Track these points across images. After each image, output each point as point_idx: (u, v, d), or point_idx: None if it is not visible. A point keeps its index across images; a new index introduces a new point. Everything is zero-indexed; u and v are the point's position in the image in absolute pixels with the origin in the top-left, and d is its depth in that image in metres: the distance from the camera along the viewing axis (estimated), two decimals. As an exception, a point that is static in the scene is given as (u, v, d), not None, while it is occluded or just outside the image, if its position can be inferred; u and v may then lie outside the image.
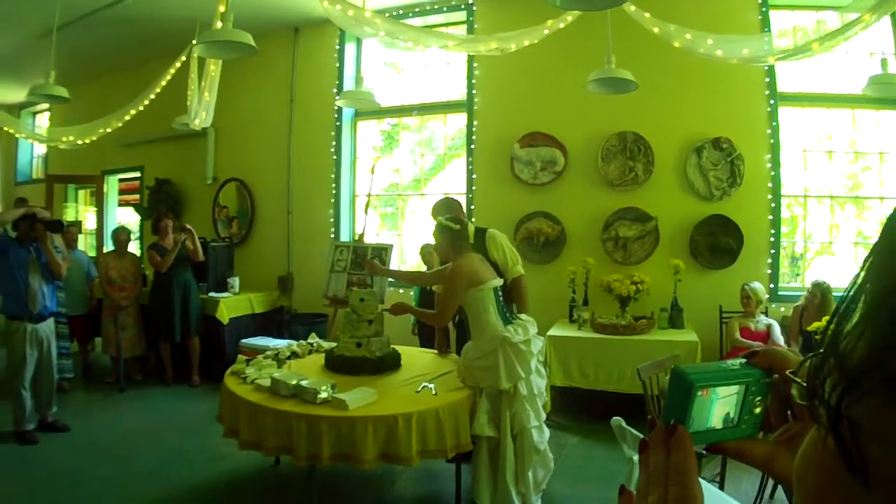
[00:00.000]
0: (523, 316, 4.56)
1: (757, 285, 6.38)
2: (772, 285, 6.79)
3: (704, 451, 0.77)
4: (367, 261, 5.13)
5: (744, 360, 0.76)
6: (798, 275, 7.48)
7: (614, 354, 6.29)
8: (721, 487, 3.82)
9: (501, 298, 4.41)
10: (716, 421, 0.75)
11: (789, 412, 0.77)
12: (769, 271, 6.96)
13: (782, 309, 6.75)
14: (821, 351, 0.52)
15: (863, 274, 0.50)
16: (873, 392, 0.45)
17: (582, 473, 5.27)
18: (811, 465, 0.54)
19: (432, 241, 6.98)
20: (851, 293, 0.50)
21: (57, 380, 6.40)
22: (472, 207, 7.98)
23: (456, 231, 4.41)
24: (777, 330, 6.24)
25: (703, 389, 0.72)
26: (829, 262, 7.39)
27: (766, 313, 6.43)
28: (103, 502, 4.74)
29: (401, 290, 7.66)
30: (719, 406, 0.75)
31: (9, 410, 5.99)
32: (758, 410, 0.76)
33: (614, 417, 3.63)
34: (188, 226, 7.97)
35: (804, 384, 0.59)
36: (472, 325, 4.42)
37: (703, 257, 7.03)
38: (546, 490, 4.67)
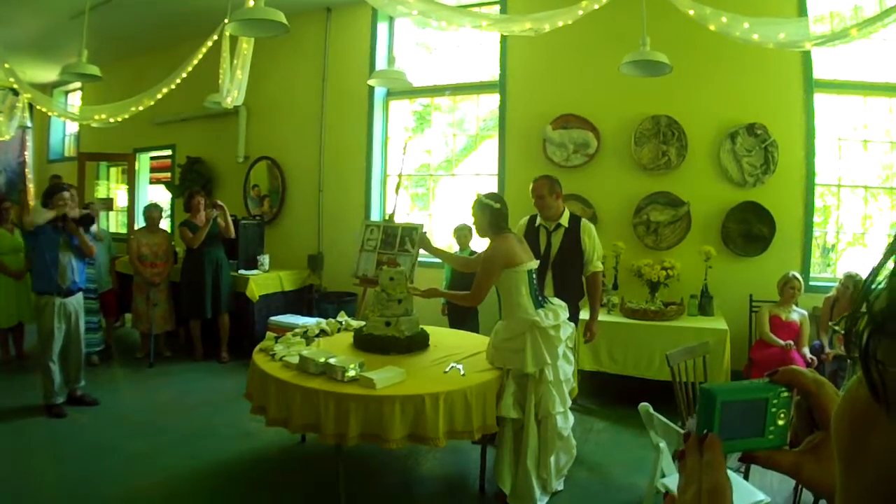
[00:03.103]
0: (555, 300, 4.54)
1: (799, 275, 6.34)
2: (803, 275, 6.70)
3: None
4: (421, 236, 5.17)
5: (767, 380, 0.83)
6: (829, 266, 7.37)
7: (643, 340, 6.27)
8: (746, 478, 3.80)
9: (535, 281, 4.39)
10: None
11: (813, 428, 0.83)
12: (801, 261, 6.88)
13: (813, 299, 6.67)
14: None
15: None
16: (893, 334, 0.51)
17: (608, 459, 5.25)
18: (846, 410, 0.60)
19: (462, 222, 7.08)
20: (885, 252, 0.56)
21: (85, 354, 6.48)
22: (504, 189, 7.94)
23: (496, 209, 4.38)
24: (807, 323, 6.19)
25: (725, 402, 0.80)
26: (861, 253, 7.27)
27: (796, 304, 6.36)
28: (131, 475, 4.80)
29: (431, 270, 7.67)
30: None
31: (38, 384, 6.08)
32: (781, 422, 0.82)
33: (642, 403, 3.62)
34: (220, 202, 8.02)
35: (843, 331, 0.64)
36: (503, 305, 4.41)
37: (734, 244, 6.96)
38: (571, 475, 4.67)
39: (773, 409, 0.82)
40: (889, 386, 0.52)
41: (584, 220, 5.49)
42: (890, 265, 0.55)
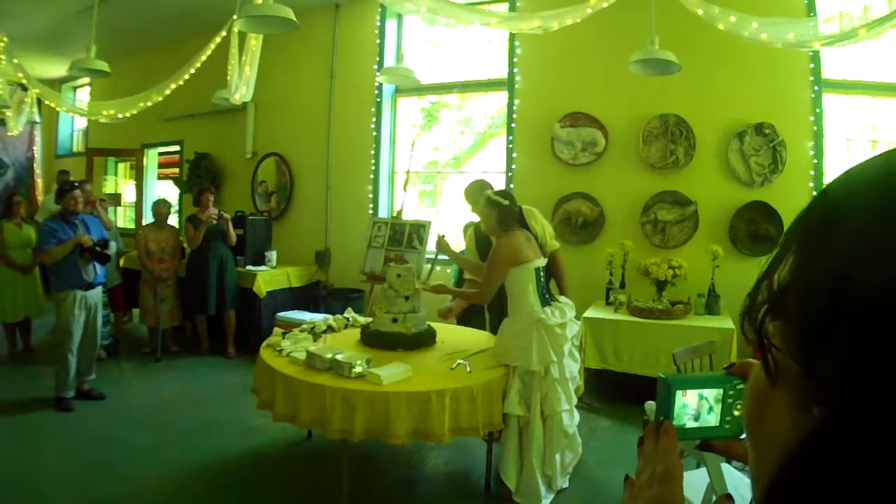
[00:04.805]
0: (563, 299, 4.54)
1: None
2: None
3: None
4: (439, 237, 5.15)
5: (724, 371, 0.87)
6: (836, 266, 7.33)
7: (650, 338, 6.25)
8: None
9: (543, 279, 4.38)
10: (700, 420, 0.87)
11: None
12: (808, 260, 6.83)
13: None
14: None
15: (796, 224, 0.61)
16: (778, 316, 0.57)
17: (612, 457, 5.24)
18: (751, 388, 0.65)
19: (470, 220, 7.07)
20: (783, 240, 0.61)
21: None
22: (512, 186, 7.92)
23: (504, 207, 4.36)
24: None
25: (682, 391, 0.85)
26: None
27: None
28: (138, 468, 4.82)
29: (438, 268, 7.65)
30: (702, 407, 0.86)
31: (44, 378, 6.10)
32: (737, 413, 0.86)
33: (648, 402, 3.61)
34: (225, 215, 8.08)
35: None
36: (510, 303, 4.40)
37: (742, 244, 6.93)
38: (575, 473, 4.67)
39: (730, 401, 0.86)
40: (777, 363, 0.57)
41: (525, 207, 5.31)
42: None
